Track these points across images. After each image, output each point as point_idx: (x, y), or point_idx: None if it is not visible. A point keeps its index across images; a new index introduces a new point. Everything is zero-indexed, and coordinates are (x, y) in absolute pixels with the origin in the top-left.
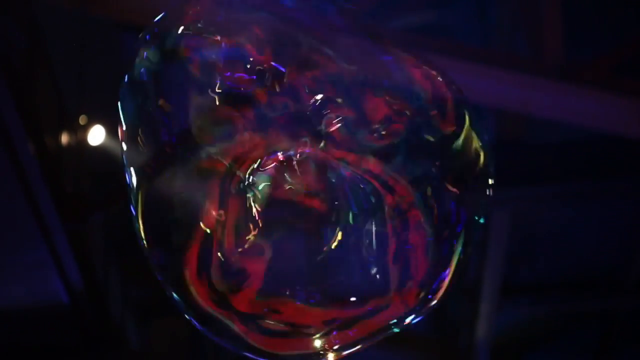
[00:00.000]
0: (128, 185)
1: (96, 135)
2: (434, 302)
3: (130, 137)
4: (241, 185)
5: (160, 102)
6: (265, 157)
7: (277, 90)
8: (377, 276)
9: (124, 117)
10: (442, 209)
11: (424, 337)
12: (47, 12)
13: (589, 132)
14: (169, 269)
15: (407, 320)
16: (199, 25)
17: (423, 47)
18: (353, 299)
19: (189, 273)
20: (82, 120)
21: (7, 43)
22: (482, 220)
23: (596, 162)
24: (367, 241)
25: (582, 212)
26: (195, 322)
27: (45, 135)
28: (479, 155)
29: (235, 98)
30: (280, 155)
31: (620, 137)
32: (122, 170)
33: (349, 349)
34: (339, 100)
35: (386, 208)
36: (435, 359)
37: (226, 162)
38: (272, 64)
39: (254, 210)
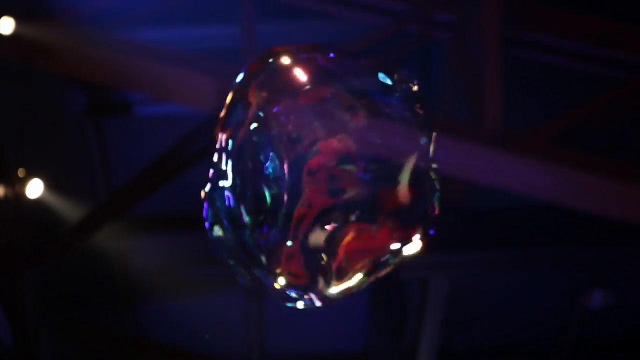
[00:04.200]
0: None
1: (34, 189)
2: None
3: None
4: None
5: None
6: None
7: None
8: None
9: None
10: None
11: None
12: None
13: (528, 200)
14: None
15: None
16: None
17: None
18: None
19: None
20: (21, 173)
21: None
22: None
23: (534, 230)
24: None
25: (520, 279)
26: None
27: None
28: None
29: None
30: None
31: (557, 207)
32: (59, 225)
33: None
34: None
35: None
36: None
37: None
38: None
39: None
